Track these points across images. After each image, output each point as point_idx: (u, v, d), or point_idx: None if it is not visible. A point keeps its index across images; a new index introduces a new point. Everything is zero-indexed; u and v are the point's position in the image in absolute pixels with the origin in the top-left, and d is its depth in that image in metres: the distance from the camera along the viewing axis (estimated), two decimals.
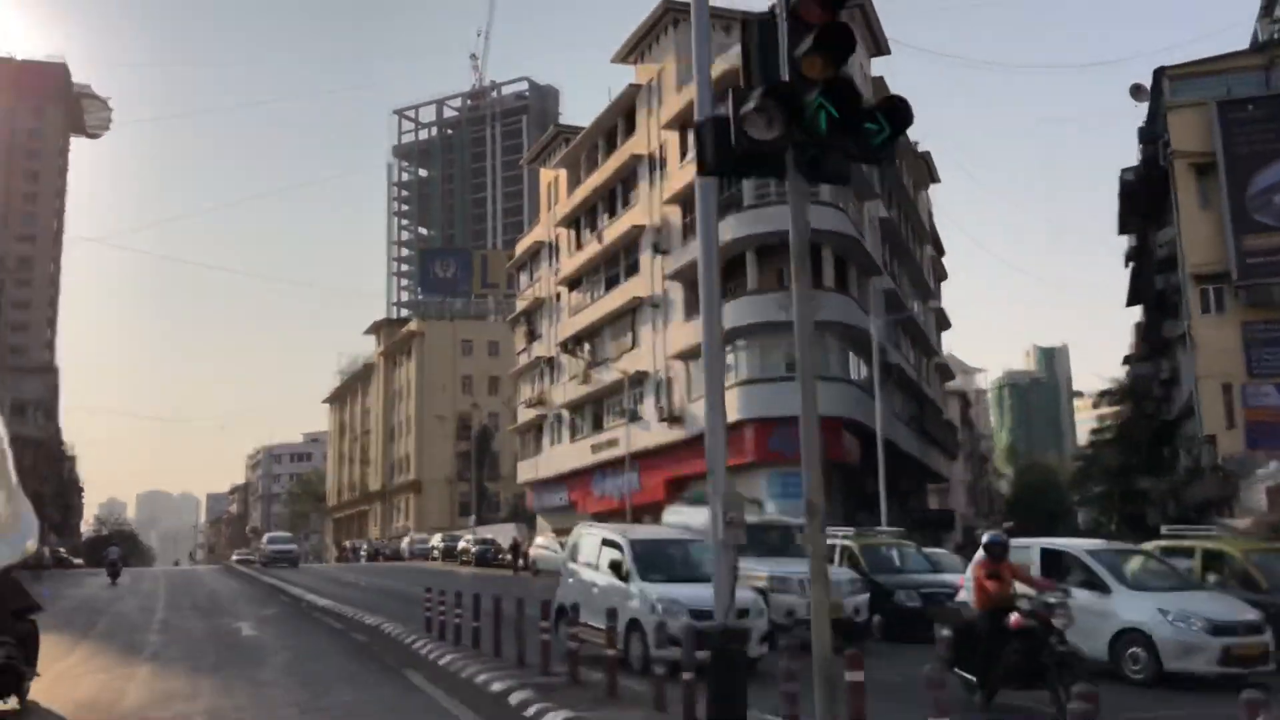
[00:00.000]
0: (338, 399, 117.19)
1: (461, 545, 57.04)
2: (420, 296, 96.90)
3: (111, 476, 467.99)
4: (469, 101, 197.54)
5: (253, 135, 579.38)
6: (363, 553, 77.20)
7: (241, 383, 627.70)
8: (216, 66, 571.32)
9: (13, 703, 10.82)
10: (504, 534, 61.39)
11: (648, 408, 46.37)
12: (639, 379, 46.80)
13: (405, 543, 69.41)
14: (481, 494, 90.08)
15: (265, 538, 55.88)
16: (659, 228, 45.78)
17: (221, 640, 18.60)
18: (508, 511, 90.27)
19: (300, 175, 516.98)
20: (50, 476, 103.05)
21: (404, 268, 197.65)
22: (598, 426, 52.42)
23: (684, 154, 44.44)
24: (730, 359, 40.78)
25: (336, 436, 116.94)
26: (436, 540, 63.45)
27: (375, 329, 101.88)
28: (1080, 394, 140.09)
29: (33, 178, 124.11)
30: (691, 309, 43.82)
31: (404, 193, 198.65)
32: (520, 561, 50.29)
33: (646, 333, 47.06)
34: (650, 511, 46.17)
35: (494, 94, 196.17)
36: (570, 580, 16.50)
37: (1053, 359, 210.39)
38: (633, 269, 48.82)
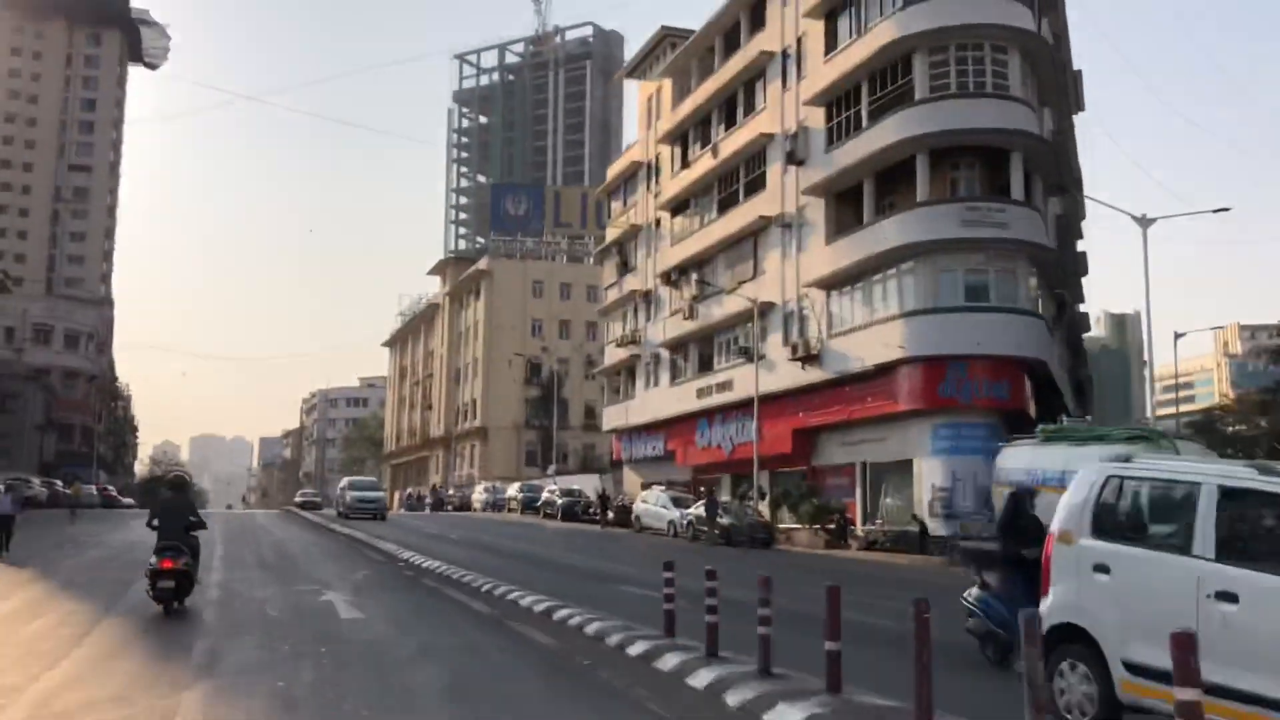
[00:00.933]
0: (398, 342, 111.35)
1: (545, 497, 50.73)
2: (491, 236, 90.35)
3: (165, 419, 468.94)
4: (531, 47, 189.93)
5: (312, 73, 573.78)
6: (427, 501, 71.34)
7: (298, 326, 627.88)
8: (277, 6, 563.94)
9: (187, 602, 13.24)
10: (582, 485, 55.20)
11: (773, 345, 39.48)
12: (763, 311, 39.95)
13: (479, 492, 63.21)
14: (550, 443, 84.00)
15: (345, 482, 46.59)
16: (793, 134, 38.53)
17: (312, 627, 12.08)
18: (576, 462, 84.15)
19: (361, 118, 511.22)
20: (103, 413, 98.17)
21: (462, 215, 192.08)
22: (705, 368, 45.62)
23: (832, 44, 37.14)
24: (892, 285, 33.72)
25: (396, 380, 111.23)
26: (514, 490, 57.15)
27: (440, 268, 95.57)
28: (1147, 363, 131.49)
29: (89, 106, 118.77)
30: (836, 227, 36.74)
31: (464, 139, 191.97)
32: (608, 515, 44.07)
33: (773, 258, 40.05)
34: (774, 464, 39.48)
35: (557, 39, 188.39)
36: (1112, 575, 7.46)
37: (1124, 326, 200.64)
38: (755, 185, 41.69)
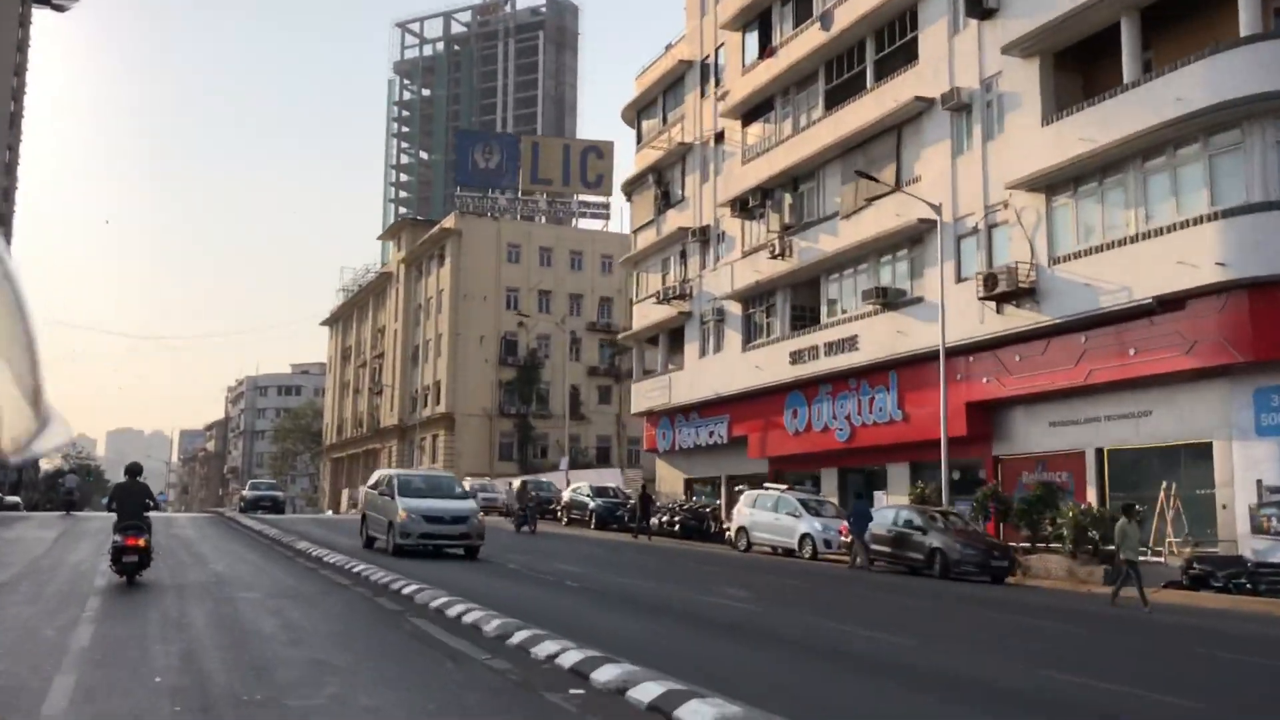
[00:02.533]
0: (340, 320, 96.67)
1: (569, 497, 37.52)
2: (457, 192, 76.58)
3: (79, 411, 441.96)
4: (478, 16, 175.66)
5: (241, 32, 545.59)
6: None
7: (223, 310, 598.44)
8: None
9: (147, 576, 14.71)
10: (601, 482, 42.34)
11: (931, 281, 27.01)
12: (916, 237, 27.50)
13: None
14: (528, 434, 70.61)
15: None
16: None
17: None
18: (559, 456, 70.95)
19: (295, 87, 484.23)
20: None
21: (403, 194, 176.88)
22: (803, 322, 33.00)
23: None
24: (1190, 173, 21.37)
25: (337, 363, 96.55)
26: (509, 487, 43.80)
27: (394, 231, 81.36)
28: None
29: None
30: (1058, 101, 24.30)
31: (405, 113, 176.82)
32: (645, 523, 31.34)
33: (934, 158, 27.44)
34: (924, 452, 26.94)
35: (506, 8, 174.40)
36: None
37: None
38: (897, 60, 29.03)
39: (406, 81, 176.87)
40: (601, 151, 74.72)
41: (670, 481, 40.91)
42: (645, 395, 41.90)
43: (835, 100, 31.50)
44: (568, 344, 71.65)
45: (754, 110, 35.36)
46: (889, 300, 28.41)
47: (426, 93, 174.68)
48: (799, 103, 33.26)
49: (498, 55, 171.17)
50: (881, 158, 29.38)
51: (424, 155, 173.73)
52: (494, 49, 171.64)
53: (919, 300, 27.55)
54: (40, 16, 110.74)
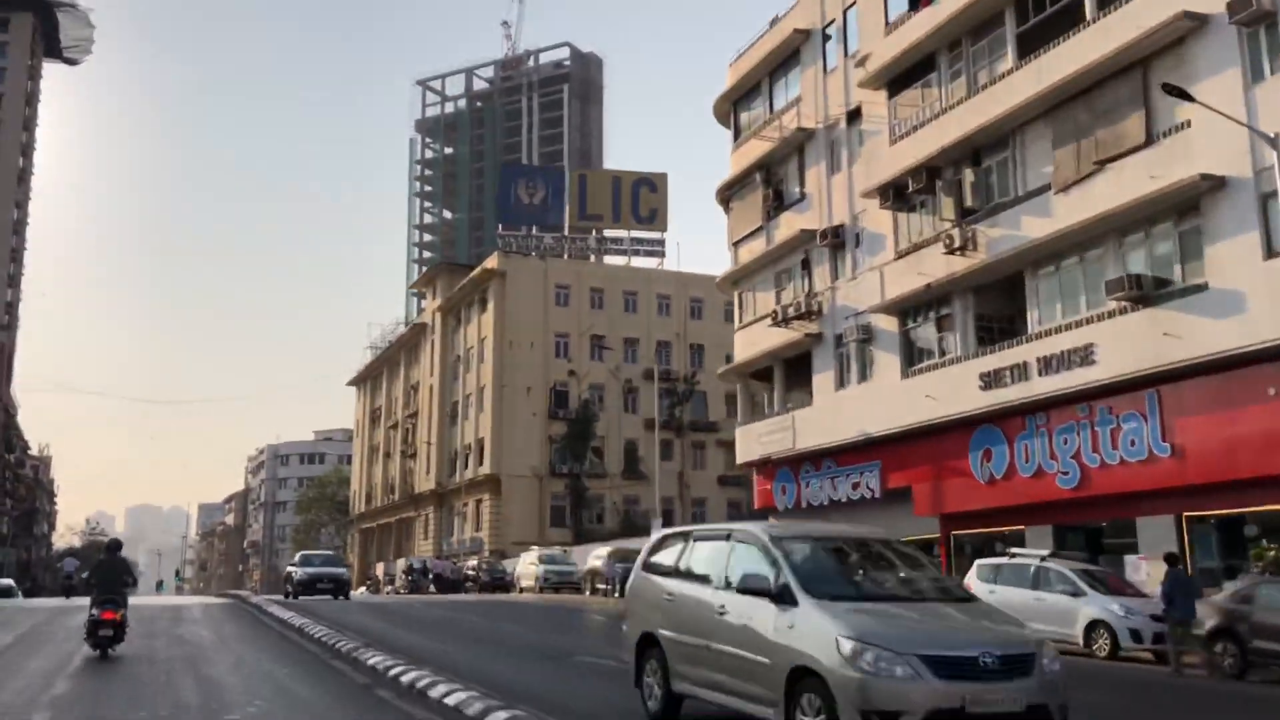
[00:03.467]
0: (368, 379, 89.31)
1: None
2: (499, 230, 69.69)
3: (100, 487, 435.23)
4: (501, 71, 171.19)
5: (259, 92, 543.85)
6: (429, 578, 49.63)
7: (238, 375, 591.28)
8: (221, 19, 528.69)
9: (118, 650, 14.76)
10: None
11: (1217, 262, 19.37)
12: (1190, 200, 19.91)
13: (527, 563, 41.43)
14: (581, 497, 62.53)
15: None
16: None
17: None
18: (615, 521, 62.89)
19: (311, 147, 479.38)
20: None
21: (426, 254, 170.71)
22: (990, 335, 25.29)
23: None
24: None
25: (365, 426, 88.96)
26: (599, 561, 35.85)
27: (429, 279, 74.24)
28: None
29: None
30: None
31: (427, 171, 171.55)
32: None
33: (1210, 91, 19.95)
34: (1207, 498, 18.95)
35: (530, 62, 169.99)
36: None
37: None
38: None
39: (428, 140, 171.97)
40: (654, 184, 67.76)
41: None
42: (757, 441, 33.92)
43: (1032, 45, 24.07)
44: (622, 394, 64.02)
45: (905, 75, 27.95)
46: (1147, 293, 20.65)
47: (449, 150, 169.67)
48: (976, 55, 25.81)
49: (521, 110, 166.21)
50: (1116, 107, 21.80)
51: (447, 214, 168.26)
52: (518, 104, 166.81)
53: (1200, 289, 19.77)
54: (51, 71, 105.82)
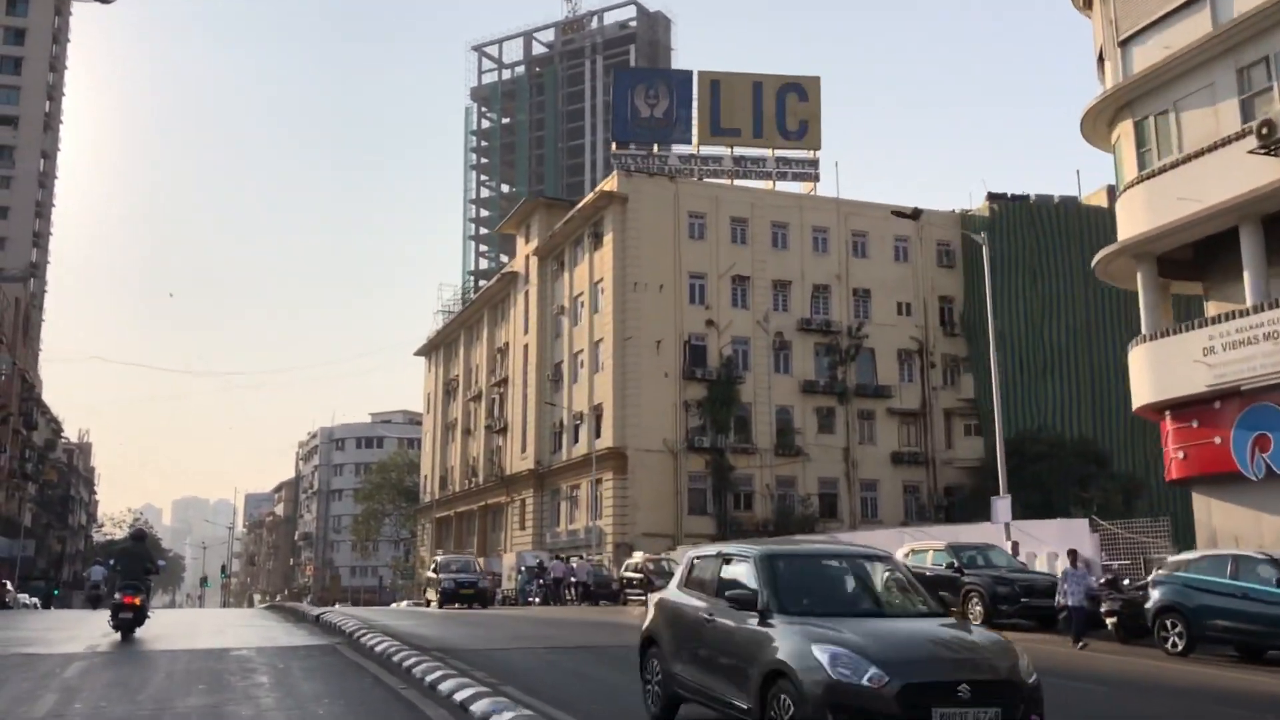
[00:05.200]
0: (440, 346, 76.36)
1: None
2: (612, 148, 56.50)
3: (147, 480, 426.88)
4: (562, 34, 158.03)
5: (303, 52, 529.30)
6: (568, 586, 36.41)
7: (284, 351, 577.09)
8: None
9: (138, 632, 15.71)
10: (1050, 545, 20.93)
11: None
12: None
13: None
14: (722, 476, 49.02)
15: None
16: None
17: None
18: (768, 509, 49.40)
19: (365, 121, 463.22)
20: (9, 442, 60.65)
21: (483, 230, 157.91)
22: None
23: None
24: None
25: (438, 400, 75.97)
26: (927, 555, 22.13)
27: (521, 217, 60.83)
28: None
29: (16, 38, 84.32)
30: None
31: (483, 142, 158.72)
32: None
33: None
34: None
35: (593, 23, 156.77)
36: None
37: None
38: None
39: (485, 109, 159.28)
40: (804, 90, 54.01)
41: (1245, 535, 19.15)
42: (1191, 364, 20.07)
43: None
44: (771, 350, 50.44)
45: None
46: None
47: (506, 120, 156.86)
48: None
49: (584, 75, 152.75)
50: None
51: (505, 187, 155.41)
52: (580, 68, 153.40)
53: None
54: (81, 10, 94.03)
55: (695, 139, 53.82)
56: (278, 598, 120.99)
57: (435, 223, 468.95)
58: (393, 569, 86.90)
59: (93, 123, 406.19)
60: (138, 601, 15.37)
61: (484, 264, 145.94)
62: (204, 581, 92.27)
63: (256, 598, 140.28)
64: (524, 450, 57.96)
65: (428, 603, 32.19)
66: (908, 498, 51.72)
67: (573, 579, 36.61)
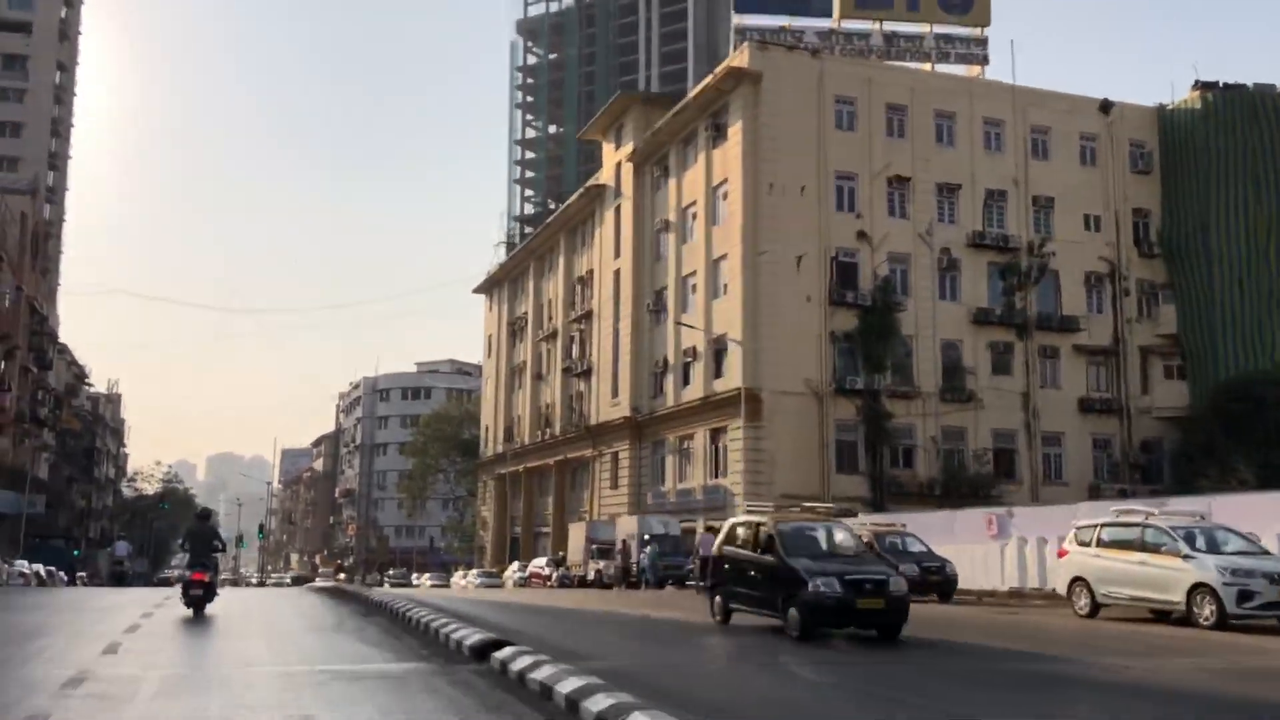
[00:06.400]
0: (503, 281, 66.40)
1: None
2: (734, 18, 46.12)
3: (182, 435, 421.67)
4: None
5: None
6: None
7: (320, 291, 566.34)
8: None
9: (209, 608, 16.03)
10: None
11: None
12: None
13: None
14: (878, 427, 38.91)
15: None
16: None
17: None
18: (931, 468, 39.37)
19: (405, 56, 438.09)
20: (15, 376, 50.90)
21: (528, 174, 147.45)
22: None
23: None
24: None
25: (502, 342, 66.06)
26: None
27: (611, 117, 50.35)
28: None
29: None
30: None
31: (529, 80, 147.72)
32: None
33: None
34: None
35: None
36: None
37: None
38: None
39: (531, 44, 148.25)
40: None
41: None
42: None
43: None
44: (935, 271, 40.15)
45: None
46: None
47: (554, 56, 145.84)
48: None
49: (638, 5, 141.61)
50: None
51: (552, 128, 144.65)
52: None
53: None
54: None
55: (836, 11, 43.23)
56: (316, 558, 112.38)
57: (477, 167, 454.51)
58: (446, 530, 77.70)
59: (117, 31, 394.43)
60: (206, 578, 16.10)
61: (529, 209, 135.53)
62: (240, 541, 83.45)
63: (294, 557, 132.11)
64: (615, 395, 48.07)
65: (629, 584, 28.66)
66: (1097, 454, 41.52)
67: None
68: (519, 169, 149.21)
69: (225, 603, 18.12)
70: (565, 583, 37.43)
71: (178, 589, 17.72)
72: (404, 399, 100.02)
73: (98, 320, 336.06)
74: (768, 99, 38.93)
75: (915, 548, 22.12)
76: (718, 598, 15.01)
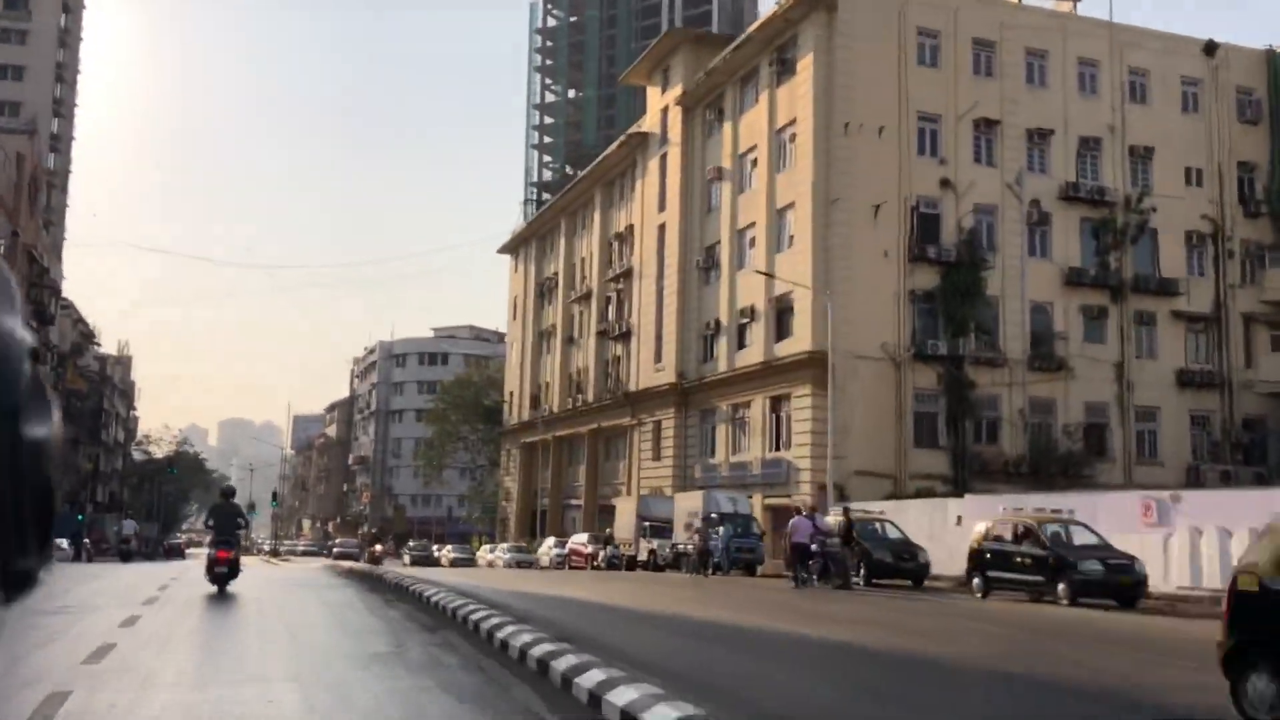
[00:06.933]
0: (531, 239, 62.16)
1: None
2: None
3: (193, 401, 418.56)
4: None
5: None
6: (816, 558, 22.56)
7: (332, 253, 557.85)
8: None
9: (231, 586, 16.75)
10: None
11: None
12: None
13: None
14: (961, 398, 34.88)
15: None
16: None
17: None
18: (1019, 443, 35.24)
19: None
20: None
21: (547, 139, 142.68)
22: None
23: None
24: None
25: (529, 304, 62.00)
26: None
27: (657, 57, 45.88)
28: None
29: None
30: None
31: (548, 42, 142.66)
32: None
33: None
34: None
35: None
36: None
37: None
38: None
39: (551, 5, 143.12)
40: None
41: None
42: None
43: None
44: (1025, 225, 35.86)
45: None
46: None
47: (574, 18, 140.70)
48: None
49: None
50: None
51: (572, 93, 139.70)
52: None
53: None
54: None
55: None
56: (330, 525, 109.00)
57: (495, 132, 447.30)
58: (466, 499, 73.91)
59: None
60: (231, 555, 16.54)
61: (547, 175, 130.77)
62: (253, 509, 79.83)
63: (306, 524, 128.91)
64: (658, 360, 43.99)
65: (694, 570, 26.26)
66: (1195, 433, 37.36)
67: (821, 545, 22.61)
68: (537, 134, 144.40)
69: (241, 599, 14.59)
70: (614, 564, 33.50)
71: (182, 569, 16.62)
72: (421, 364, 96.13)
73: (116, 279, 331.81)
74: (843, 29, 34.58)
75: (1085, 538, 18.02)
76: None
